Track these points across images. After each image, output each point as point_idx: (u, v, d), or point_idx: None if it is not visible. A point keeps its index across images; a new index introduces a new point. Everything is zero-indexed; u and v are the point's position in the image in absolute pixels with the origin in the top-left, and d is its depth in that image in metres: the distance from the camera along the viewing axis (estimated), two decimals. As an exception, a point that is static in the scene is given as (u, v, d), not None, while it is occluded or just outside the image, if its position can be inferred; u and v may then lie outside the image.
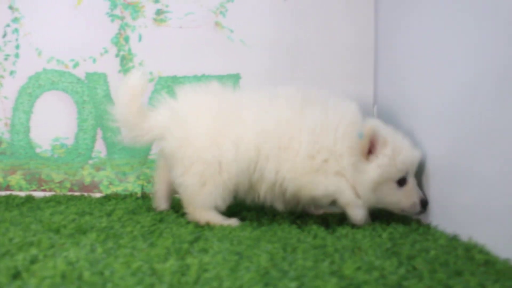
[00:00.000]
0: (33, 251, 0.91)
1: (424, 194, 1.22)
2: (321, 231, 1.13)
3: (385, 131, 1.21)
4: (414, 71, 1.34)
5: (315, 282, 0.74)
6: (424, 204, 1.20)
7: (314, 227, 1.17)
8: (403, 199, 1.21)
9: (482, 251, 0.93)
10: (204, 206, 1.24)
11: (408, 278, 0.78)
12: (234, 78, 1.65)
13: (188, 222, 1.23)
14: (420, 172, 1.26)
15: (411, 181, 1.22)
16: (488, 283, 0.74)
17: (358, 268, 0.83)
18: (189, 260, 0.87)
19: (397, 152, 1.19)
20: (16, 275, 0.77)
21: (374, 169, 1.19)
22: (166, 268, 0.81)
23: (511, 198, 0.88)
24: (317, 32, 1.66)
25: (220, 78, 1.65)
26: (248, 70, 1.66)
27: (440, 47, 1.19)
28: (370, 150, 1.20)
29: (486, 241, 0.95)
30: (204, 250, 0.95)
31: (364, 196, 1.20)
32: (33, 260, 0.85)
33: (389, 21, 1.57)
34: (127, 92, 1.32)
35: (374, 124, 1.22)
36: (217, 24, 1.66)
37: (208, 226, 1.21)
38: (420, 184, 1.25)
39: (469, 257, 0.90)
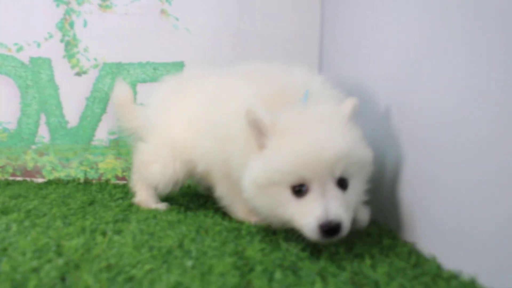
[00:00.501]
0: None
1: (343, 214, 0.82)
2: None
3: (282, 116, 0.88)
4: (358, 61, 1.33)
5: (211, 261, 0.77)
6: (325, 230, 0.80)
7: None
8: (296, 215, 0.84)
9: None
10: (146, 183, 1.26)
11: (304, 259, 0.81)
12: (179, 66, 1.66)
13: (117, 206, 1.24)
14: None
15: (316, 193, 0.83)
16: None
17: (262, 250, 0.85)
18: (99, 239, 0.89)
19: (286, 146, 0.85)
20: None
21: (253, 166, 0.89)
22: (72, 245, 0.83)
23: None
24: (262, 21, 1.68)
25: (165, 65, 1.67)
26: (192, 58, 1.66)
27: (381, 34, 1.16)
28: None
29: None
30: (119, 231, 0.96)
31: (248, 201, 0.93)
32: None
33: (335, 10, 1.58)
34: (115, 101, 1.51)
35: (255, 106, 0.89)
36: (162, 12, 1.66)
37: (136, 208, 1.23)
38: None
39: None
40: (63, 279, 0.67)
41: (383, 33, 1.15)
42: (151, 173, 1.24)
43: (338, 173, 0.84)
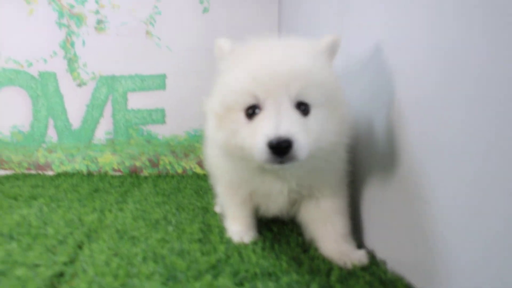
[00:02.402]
0: (-4, 210, 1.29)
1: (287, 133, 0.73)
2: (212, 199, 1.53)
3: (245, 43, 0.89)
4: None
5: (184, 226, 1.15)
6: (273, 147, 0.72)
7: (209, 196, 1.57)
8: (247, 138, 0.78)
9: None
10: None
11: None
12: (161, 78, 2.03)
13: (117, 192, 1.61)
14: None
15: (268, 111, 0.76)
16: None
17: (220, 220, 1.23)
18: (107, 214, 1.27)
19: (240, 66, 0.81)
20: (-16, 225, 1.15)
21: (212, 96, 0.86)
22: (89, 219, 1.20)
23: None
24: (230, 37, 2.03)
25: (150, 77, 2.03)
26: (173, 71, 2.03)
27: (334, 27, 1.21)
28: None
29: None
30: (121, 209, 1.34)
31: (211, 135, 0.89)
32: (-4, 216, 1.23)
33: (291, 22, 1.91)
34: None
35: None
36: (147, 32, 2.02)
37: (131, 193, 1.60)
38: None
39: None
40: (88, 237, 1.05)
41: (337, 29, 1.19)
42: None
43: (294, 94, 0.77)
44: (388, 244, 0.92)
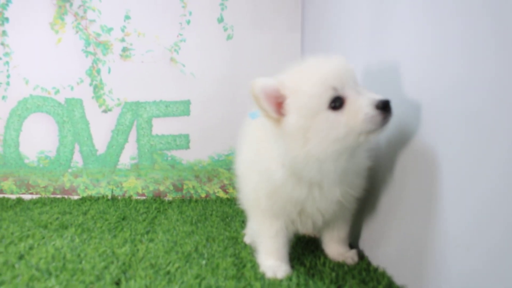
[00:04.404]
0: (30, 241, 1.31)
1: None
2: (240, 227, 1.54)
3: (274, 79, 0.97)
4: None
5: (218, 260, 1.16)
6: (382, 105, 0.88)
7: (237, 224, 1.58)
8: (350, 120, 0.90)
9: None
10: None
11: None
12: (186, 104, 2.05)
13: (144, 220, 1.63)
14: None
15: (351, 94, 0.91)
16: None
17: (251, 253, 1.24)
18: (139, 246, 1.28)
19: (305, 80, 0.93)
20: (20, 257, 1.17)
21: (291, 118, 0.94)
22: (122, 251, 1.22)
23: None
24: (254, 65, 2.06)
25: (175, 103, 2.05)
26: (197, 97, 2.05)
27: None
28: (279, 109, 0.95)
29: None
30: (151, 239, 1.36)
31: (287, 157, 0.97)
32: (31, 247, 1.25)
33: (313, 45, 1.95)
34: None
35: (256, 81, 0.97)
36: (172, 59, 2.05)
37: (159, 221, 1.61)
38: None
39: None
40: (124, 273, 1.06)
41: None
42: None
43: (355, 81, 0.95)
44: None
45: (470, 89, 0.74)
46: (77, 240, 1.33)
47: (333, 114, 0.91)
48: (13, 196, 2.06)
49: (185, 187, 2.08)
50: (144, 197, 2.06)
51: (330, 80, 0.91)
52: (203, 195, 2.08)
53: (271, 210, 1.10)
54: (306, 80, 0.93)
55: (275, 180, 1.04)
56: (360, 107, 0.89)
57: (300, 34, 2.06)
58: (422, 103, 0.92)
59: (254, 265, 1.13)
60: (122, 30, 2.04)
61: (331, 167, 0.96)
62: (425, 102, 0.91)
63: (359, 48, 1.31)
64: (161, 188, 2.08)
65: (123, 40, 2.04)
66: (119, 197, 2.06)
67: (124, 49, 2.04)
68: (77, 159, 2.08)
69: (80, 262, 1.12)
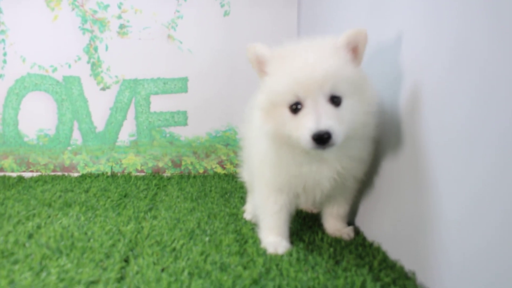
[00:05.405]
0: (37, 220, 1.35)
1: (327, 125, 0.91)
2: (239, 203, 1.58)
3: (279, 47, 1.05)
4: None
5: (220, 237, 1.20)
6: (316, 138, 0.91)
7: (236, 200, 1.62)
8: (292, 131, 0.96)
9: None
10: None
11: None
12: (183, 81, 2.07)
13: (145, 197, 1.67)
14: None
15: (308, 108, 0.94)
16: None
17: (252, 229, 1.29)
18: (144, 223, 1.32)
19: (282, 70, 0.99)
20: (30, 236, 1.20)
21: (259, 94, 1.04)
22: (128, 229, 1.26)
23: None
24: (250, 41, 2.05)
25: (172, 80, 2.07)
26: (194, 74, 2.07)
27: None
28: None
29: None
30: (155, 217, 1.40)
31: (259, 127, 1.06)
32: (39, 226, 1.29)
33: (310, 23, 1.96)
34: None
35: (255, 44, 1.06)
36: (169, 36, 2.06)
37: (160, 198, 1.65)
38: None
39: None
40: (132, 250, 1.10)
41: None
42: None
43: (328, 91, 0.94)
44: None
45: (468, 67, 0.76)
46: (82, 218, 1.37)
47: (290, 114, 0.97)
48: (14, 174, 2.09)
49: (183, 163, 2.12)
50: (143, 174, 2.10)
51: (296, 87, 0.94)
52: (201, 171, 2.12)
53: (275, 182, 1.15)
54: (280, 75, 0.98)
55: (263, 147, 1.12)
56: (302, 127, 0.94)
57: (296, 10, 2.07)
58: (420, 81, 0.95)
59: (256, 241, 1.17)
60: (119, 7, 2.03)
61: (289, 153, 1.06)
62: (423, 80, 0.93)
63: (358, 24, 1.33)
64: (160, 164, 2.11)
65: (120, 17, 2.04)
66: (119, 174, 2.09)
67: (121, 26, 2.04)
68: (77, 137, 2.10)
69: (88, 240, 1.16)
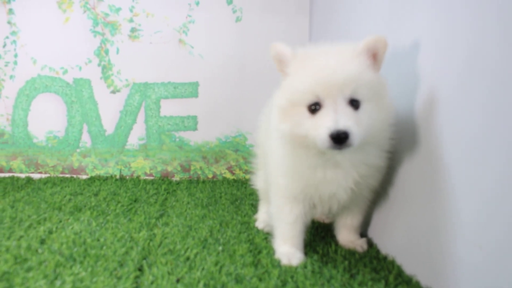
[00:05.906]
0: (48, 224, 1.34)
1: (343, 127, 0.92)
2: (250, 211, 1.58)
3: (301, 49, 1.05)
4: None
5: (233, 247, 1.20)
6: (335, 136, 0.92)
7: (247, 207, 1.62)
8: (310, 130, 0.97)
9: None
10: None
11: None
12: (194, 85, 2.06)
13: (155, 202, 1.66)
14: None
15: (328, 109, 0.95)
16: None
17: (265, 238, 1.28)
18: (155, 230, 1.32)
19: (303, 70, 1.00)
20: (42, 242, 1.20)
21: (278, 93, 1.06)
22: (140, 236, 1.25)
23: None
24: (261, 47, 2.06)
25: (183, 85, 2.07)
26: (205, 79, 2.06)
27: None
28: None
29: None
30: (166, 224, 1.39)
31: (275, 126, 1.07)
32: (50, 231, 1.28)
33: (322, 27, 1.95)
34: None
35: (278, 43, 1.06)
36: (180, 41, 2.05)
37: (170, 203, 1.65)
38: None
39: None
40: (145, 258, 1.10)
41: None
42: None
43: (348, 94, 0.95)
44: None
45: (481, 74, 0.77)
46: (94, 223, 1.37)
47: (308, 114, 0.98)
48: (22, 175, 2.09)
49: (192, 168, 2.11)
50: (152, 177, 2.09)
51: (317, 88, 0.96)
52: (210, 176, 2.11)
53: (290, 189, 1.14)
54: (302, 74, 0.99)
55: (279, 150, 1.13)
56: (320, 126, 0.95)
57: (308, 17, 2.06)
58: (434, 89, 0.95)
59: (269, 252, 1.16)
60: (131, 10, 2.03)
61: (303, 155, 1.06)
62: (437, 88, 0.93)
63: (371, 32, 1.32)
64: (169, 168, 2.11)
65: (131, 20, 2.04)
66: (127, 177, 2.09)
67: (133, 30, 2.04)
68: (86, 139, 2.10)
69: (101, 248, 1.16)
